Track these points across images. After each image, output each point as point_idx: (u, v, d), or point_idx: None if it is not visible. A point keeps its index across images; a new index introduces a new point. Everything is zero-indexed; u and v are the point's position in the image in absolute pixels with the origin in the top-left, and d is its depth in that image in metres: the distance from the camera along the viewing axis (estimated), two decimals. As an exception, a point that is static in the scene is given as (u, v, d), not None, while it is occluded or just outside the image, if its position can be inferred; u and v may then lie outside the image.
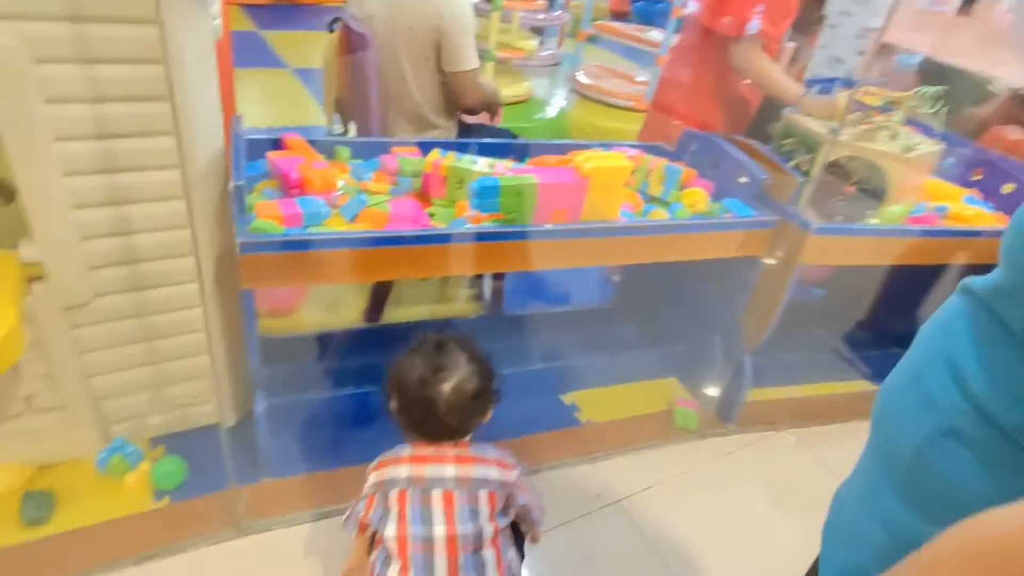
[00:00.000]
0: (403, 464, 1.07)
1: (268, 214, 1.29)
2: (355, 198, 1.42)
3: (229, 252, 1.38)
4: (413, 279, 2.30)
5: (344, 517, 1.12)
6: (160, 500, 1.44)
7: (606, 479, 1.70)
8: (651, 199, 1.72)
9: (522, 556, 1.17)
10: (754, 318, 1.80)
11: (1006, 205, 1.99)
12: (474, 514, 1.04)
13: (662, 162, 1.75)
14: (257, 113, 3.48)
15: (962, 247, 1.84)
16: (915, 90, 1.83)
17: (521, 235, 1.39)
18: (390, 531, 1.03)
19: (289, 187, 1.41)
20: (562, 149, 1.79)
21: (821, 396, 2.14)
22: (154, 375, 1.49)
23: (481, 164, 1.50)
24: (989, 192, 2.08)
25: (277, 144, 1.54)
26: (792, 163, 1.89)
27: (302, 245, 1.24)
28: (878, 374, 2.29)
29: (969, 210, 1.86)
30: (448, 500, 1.04)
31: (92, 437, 1.46)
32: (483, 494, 1.05)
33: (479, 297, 2.34)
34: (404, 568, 1.02)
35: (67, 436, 1.44)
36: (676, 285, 2.10)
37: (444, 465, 1.06)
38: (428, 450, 1.08)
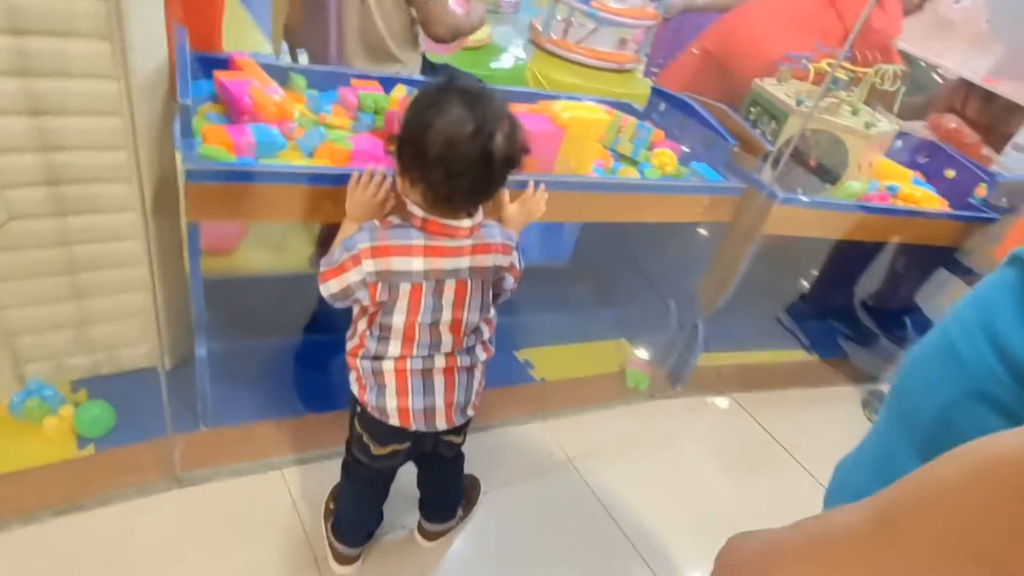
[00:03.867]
0: (416, 256, 1.00)
1: (217, 140, 1.16)
2: (313, 131, 1.31)
3: (167, 179, 1.25)
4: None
5: (326, 286, 1.03)
6: (84, 448, 1.32)
7: (558, 437, 1.69)
8: (620, 157, 1.69)
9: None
10: (711, 285, 1.81)
11: (947, 189, 2.08)
12: (484, 301, 1.09)
13: (633, 120, 1.70)
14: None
15: (910, 227, 1.91)
16: (875, 67, 1.85)
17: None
18: (397, 321, 1.03)
19: (239, 112, 1.28)
20: (530, 98, 1.72)
21: (763, 364, 2.22)
22: (78, 312, 1.34)
23: (451, 106, 1.42)
24: (932, 175, 2.17)
25: (225, 65, 1.39)
26: (758, 132, 1.89)
27: (261, 177, 1.13)
28: (815, 345, 2.39)
29: (918, 191, 1.93)
30: (460, 290, 1.04)
31: (3, 377, 1.32)
32: (488, 280, 1.08)
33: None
34: (408, 343, 1.05)
35: (-27, 375, 1.29)
36: (634, 247, 2.10)
37: (461, 258, 1.03)
38: (444, 241, 1.01)
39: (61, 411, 1.33)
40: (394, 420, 1.08)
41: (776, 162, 1.63)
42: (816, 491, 1.74)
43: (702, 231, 1.87)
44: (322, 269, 1.04)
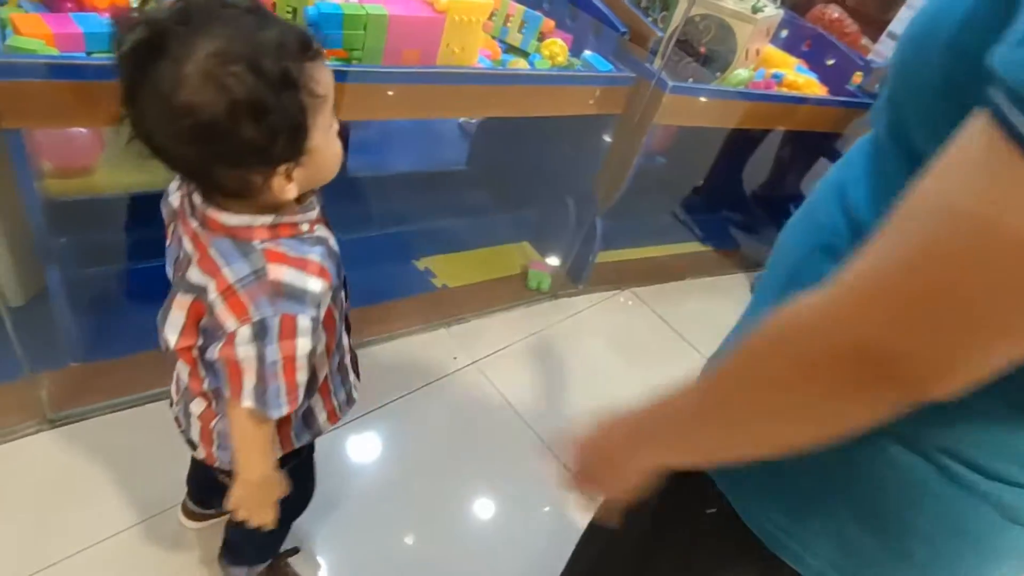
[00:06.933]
0: (180, 191, 0.74)
1: (32, 30, 0.99)
2: (156, 21, 1.14)
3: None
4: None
5: None
6: (-70, 396, 1.19)
7: (463, 342, 1.69)
8: (509, 48, 1.60)
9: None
10: (607, 180, 1.81)
11: (828, 77, 2.14)
12: (167, 312, 0.74)
13: (521, 8, 1.61)
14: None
15: (795, 114, 1.96)
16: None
17: (367, 76, 1.21)
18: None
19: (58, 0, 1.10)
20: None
21: (659, 257, 2.28)
22: None
23: (317, -10, 1.27)
24: (814, 63, 2.22)
25: (36, -59, 1.17)
26: (649, 19, 1.84)
27: (88, 72, 0.97)
28: (709, 237, 2.48)
29: (801, 78, 1.97)
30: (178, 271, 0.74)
31: None
32: (187, 300, 0.71)
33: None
34: None
35: None
36: (529, 147, 2.05)
37: (185, 234, 0.72)
38: (187, 200, 0.72)
39: None
40: None
41: (665, 49, 1.60)
42: (709, 372, 1.87)
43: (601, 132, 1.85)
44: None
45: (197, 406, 0.82)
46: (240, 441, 0.77)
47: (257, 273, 0.65)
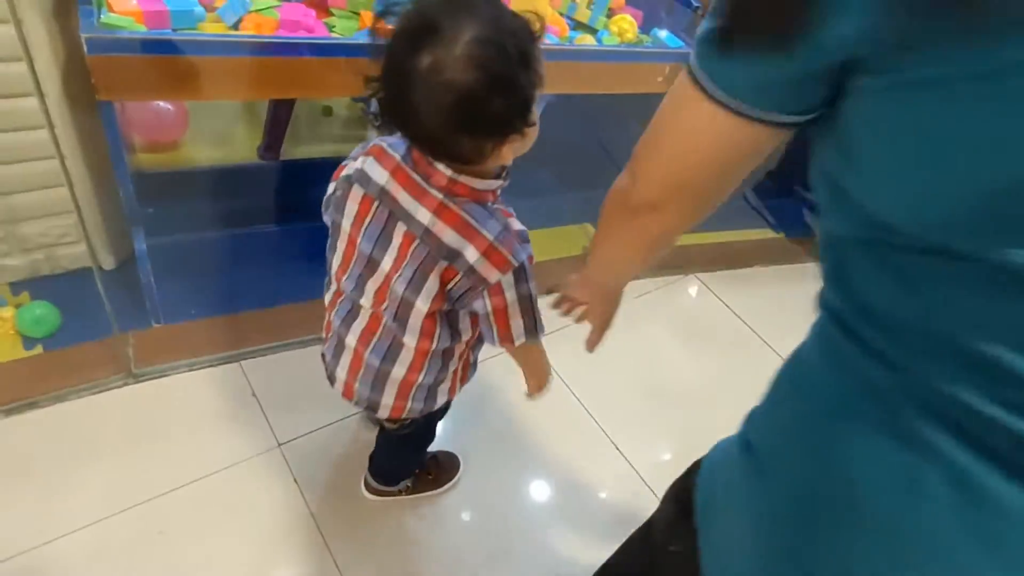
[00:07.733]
0: (386, 169, 0.79)
1: (123, 8, 1.05)
2: (236, 0, 1.19)
3: (76, 57, 1.14)
4: (313, 113, 2.08)
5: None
6: (31, 348, 1.30)
7: (521, 320, 1.70)
8: (577, 24, 1.58)
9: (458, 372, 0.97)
10: (674, 161, 1.76)
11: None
12: (418, 283, 0.80)
13: (591, -17, 1.58)
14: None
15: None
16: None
17: (436, 53, 1.23)
18: (345, 224, 0.84)
19: (149, -21, 1.16)
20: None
21: (726, 243, 2.21)
22: (4, 208, 1.27)
23: (388, -32, 1.29)
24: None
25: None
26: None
27: (172, 47, 1.03)
28: (781, 223, 2.38)
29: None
30: (406, 244, 0.79)
31: (-66, 280, 1.26)
32: (441, 266, 0.78)
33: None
34: (342, 266, 0.87)
35: (-99, 279, 1.23)
36: (595, 127, 2.02)
37: (421, 206, 0.77)
38: (416, 174, 0.77)
39: (2, 313, 1.29)
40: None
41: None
42: (779, 365, 1.80)
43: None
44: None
45: (401, 370, 0.90)
46: (528, 365, 1.00)
47: (506, 227, 0.77)
